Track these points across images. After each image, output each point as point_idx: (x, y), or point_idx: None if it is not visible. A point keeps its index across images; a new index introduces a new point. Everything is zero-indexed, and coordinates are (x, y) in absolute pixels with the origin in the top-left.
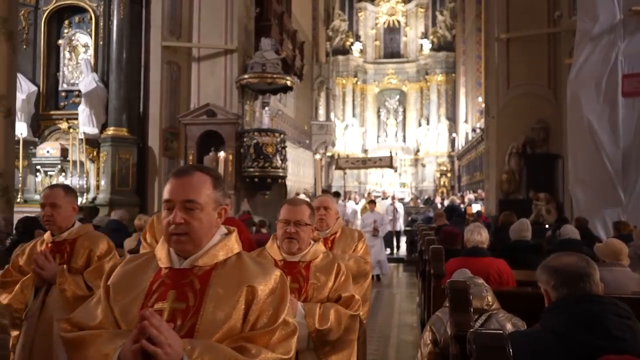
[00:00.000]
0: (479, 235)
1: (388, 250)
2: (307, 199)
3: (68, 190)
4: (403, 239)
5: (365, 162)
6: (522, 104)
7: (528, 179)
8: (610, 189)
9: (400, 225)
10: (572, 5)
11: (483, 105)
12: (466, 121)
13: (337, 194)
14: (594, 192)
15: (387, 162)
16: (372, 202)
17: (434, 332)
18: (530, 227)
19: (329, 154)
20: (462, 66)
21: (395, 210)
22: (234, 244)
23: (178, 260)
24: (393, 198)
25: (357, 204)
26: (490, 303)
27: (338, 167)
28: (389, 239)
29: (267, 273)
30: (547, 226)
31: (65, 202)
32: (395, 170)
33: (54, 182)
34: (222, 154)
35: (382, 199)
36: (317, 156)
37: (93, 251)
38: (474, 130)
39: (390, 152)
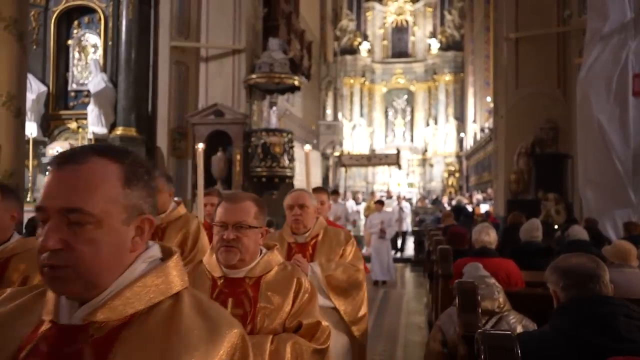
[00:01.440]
0: (487, 236)
1: (393, 252)
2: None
3: (5, 192)
4: (409, 240)
5: (370, 159)
6: (531, 104)
7: (537, 179)
8: (620, 190)
9: (407, 225)
10: (582, 4)
11: (491, 105)
12: (474, 121)
13: (335, 192)
14: (604, 193)
15: (394, 160)
16: (379, 202)
17: (444, 332)
18: (540, 227)
19: (336, 153)
20: (470, 66)
21: (401, 210)
22: (170, 280)
23: (68, 310)
24: (399, 198)
25: (358, 203)
26: (502, 305)
27: (342, 165)
28: (394, 239)
29: (214, 340)
30: (556, 227)
31: None
32: (400, 168)
33: None
34: (307, 147)
35: (387, 198)
36: (307, 147)
37: (30, 279)
38: (482, 130)
39: (397, 150)
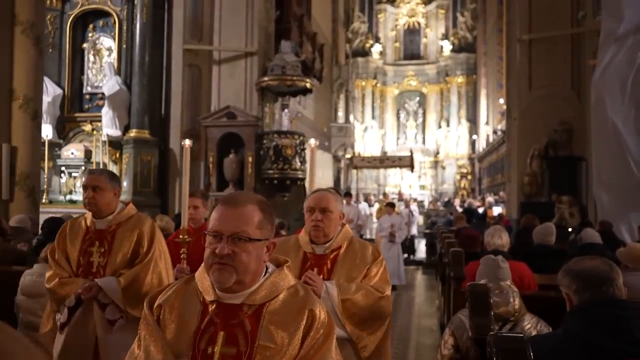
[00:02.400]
0: (500, 239)
1: (404, 255)
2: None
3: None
4: (417, 243)
5: (383, 162)
6: (545, 106)
7: (550, 182)
8: (635, 192)
9: (415, 230)
10: (597, 5)
11: (504, 106)
12: (487, 123)
13: (348, 194)
14: (618, 195)
15: (407, 162)
16: (390, 205)
17: (456, 337)
18: (554, 232)
19: (347, 155)
20: (483, 67)
21: (410, 213)
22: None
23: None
24: (407, 201)
25: (371, 205)
26: (517, 310)
27: (354, 167)
28: (404, 242)
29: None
30: (570, 229)
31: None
32: (413, 171)
33: (78, 184)
34: (312, 141)
35: (398, 200)
36: (312, 141)
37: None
38: (495, 132)
39: (411, 152)
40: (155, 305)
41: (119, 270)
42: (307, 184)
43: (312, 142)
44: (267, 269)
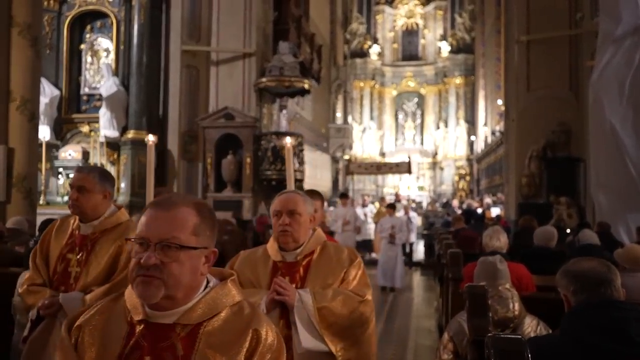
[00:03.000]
0: (498, 241)
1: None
2: (326, 203)
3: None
4: (415, 244)
5: (380, 168)
6: (543, 107)
7: (548, 183)
8: (633, 193)
9: (414, 237)
10: (594, 6)
11: (503, 108)
12: (485, 124)
13: (344, 195)
14: (616, 197)
15: (405, 169)
16: (391, 206)
17: (456, 343)
18: (556, 236)
19: (346, 157)
20: (481, 69)
21: (409, 220)
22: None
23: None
24: (406, 207)
25: (365, 206)
26: (517, 314)
27: (349, 173)
28: (403, 246)
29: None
30: (568, 231)
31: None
32: (410, 173)
33: None
34: (288, 140)
35: (396, 201)
36: (289, 140)
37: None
38: (493, 133)
39: (409, 158)
40: (74, 327)
41: (91, 286)
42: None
43: (288, 140)
44: (207, 283)
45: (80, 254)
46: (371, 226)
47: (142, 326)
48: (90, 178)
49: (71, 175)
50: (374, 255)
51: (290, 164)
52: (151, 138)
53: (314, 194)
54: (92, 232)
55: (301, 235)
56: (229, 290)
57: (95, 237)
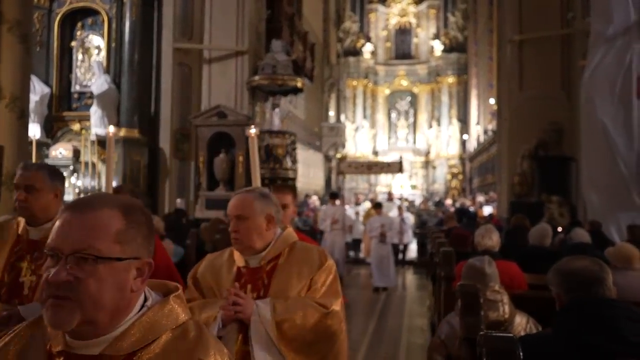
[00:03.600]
0: (490, 240)
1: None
2: (318, 202)
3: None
4: (408, 248)
5: (371, 168)
6: (535, 106)
7: (540, 182)
8: (624, 193)
9: (409, 237)
10: (586, 6)
11: (495, 107)
12: (478, 123)
13: (333, 195)
14: (608, 195)
15: (397, 169)
16: (378, 206)
17: (448, 346)
18: (551, 234)
19: (338, 155)
20: (474, 68)
21: (402, 221)
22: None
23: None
24: (400, 208)
25: (358, 205)
26: (508, 317)
27: (340, 172)
28: (394, 252)
29: None
30: (559, 229)
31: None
32: (402, 173)
33: (66, 183)
34: (252, 131)
35: (388, 200)
36: (253, 130)
37: None
38: (485, 132)
39: (400, 157)
40: None
41: None
42: (257, 183)
43: (253, 131)
44: (145, 301)
45: (32, 262)
46: (360, 225)
47: (61, 359)
48: (39, 175)
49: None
50: (362, 255)
51: (254, 156)
52: (111, 129)
53: (284, 188)
54: (43, 236)
55: (253, 240)
56: (172, 309)
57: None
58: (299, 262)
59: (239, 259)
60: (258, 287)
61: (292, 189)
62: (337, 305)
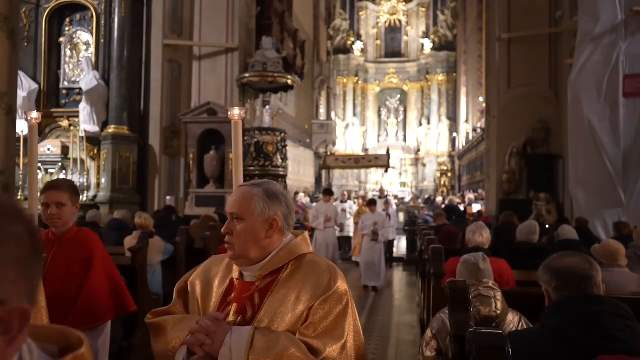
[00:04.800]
0: (481, 237)
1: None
2: (307, 198)
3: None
4: (397, 240)
5: (358, 162)
6: (523, 104)
7: (528, 179)
8: (610, 190)
9: (392, 233)
10: (574, 5)
11: (484, 105)
12: (467, 121)
13: (327, 192)
14: (594, 193)
15: (384, 162)
16: (372, 203)
17: (439, 340)
18: (538, 230)
19: (329, 153)
20: (463, 66)
21: (388, 217)
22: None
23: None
24: (386, 203)
25: (343, 201)
26: (500, 313)
27: (326, 167)
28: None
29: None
30: (547, 226)
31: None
32: (387, 170)
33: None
34: (237, 112)
35: (380, 197)
36: (236, 111)
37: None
38: (474, 130)
39: (388, 150)
40: None
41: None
42: (234, 175)
43: (237, 112)
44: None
45: None
46: (350, 222)
47: None
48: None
49: (50, 171)
50: (354, 258)
51: (238, 142)
52: (34, 115)
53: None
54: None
55: (246, 248)
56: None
57: None
58: (302, 281)
59: (236, 269)
60: (244, 309)
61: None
62: (334, 351)
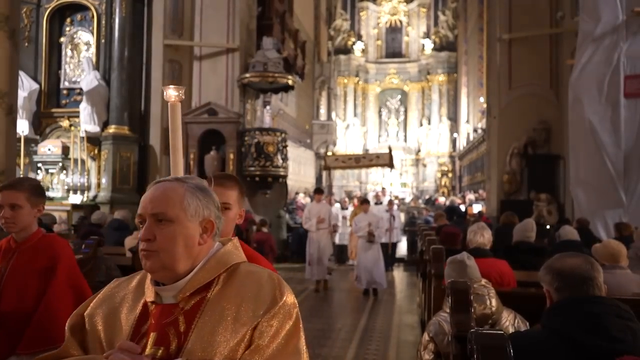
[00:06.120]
0: (482, 237)
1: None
2: (308, 199)
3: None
4: (399, 248)
5: (359, 161)
6: (524, 105)
7: (529, 180)
8: (611, 190)
9: (398, 235)
10: (575, 6)
11: (485, 105)
12: (468, 121)
13: (318, 190)
14: (595, 193)
15: (386, 160)
16: (365, 202)
17: (437, 343)
18: (535, 228)
19: (329, 153)
20: (464, 66)
21: (392, 217)
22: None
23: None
24: (390, 203)
25: (344, 209)
26: (495, 310)
27: (326, 167)
28: (383, 251)
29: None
30: (548, 227)
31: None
32: (392, 169)
33: (55, 180)
34: (172, 92)
35: (376, 203)
36: (172, 92)
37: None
38: (475, 130)
39: (389, 148)
40: None
41: None
42: (171, 164)
43: (173, 93)
44: None
45: None
46: (348, 230)
47: None
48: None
49: (51, 171)
50: (351, 262)
51: (177, 129)
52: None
53: (227, 180)
54: None
55: (176, 257)
56: None
57: None
58: (239, 296)
59: (149, 291)
60: (166, 339)
61: (237, 183)
62: None
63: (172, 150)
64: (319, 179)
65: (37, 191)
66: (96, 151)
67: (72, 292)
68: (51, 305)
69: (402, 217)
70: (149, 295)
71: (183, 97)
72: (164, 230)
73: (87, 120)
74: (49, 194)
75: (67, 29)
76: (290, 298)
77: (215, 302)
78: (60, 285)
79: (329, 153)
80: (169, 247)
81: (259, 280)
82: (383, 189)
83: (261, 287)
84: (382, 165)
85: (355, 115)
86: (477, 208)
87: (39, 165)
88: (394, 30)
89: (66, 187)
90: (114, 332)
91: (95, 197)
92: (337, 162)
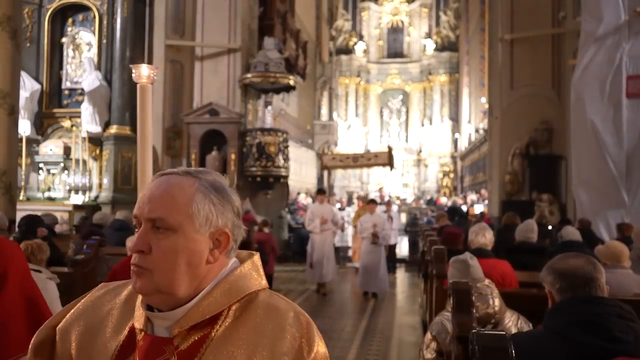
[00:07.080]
0: (483, 238)
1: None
2: (309, 199)
3: None
4: (399, 241)
5: (357, 160)
6: (526, 105)
7: (531, 180)
8: (613, 191)
9: (395, 237)
10: (577, 6)
11: (486, 105)
12: (469, 121)
13: (320, 191)
14: (597, 194)
15: (384, 160)
16: (372, 202)
17: (439, 342)
18: (536, 229)
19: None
20: (465, 66)
21: (389, 219)
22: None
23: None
24: (388, 204)
25: (342, 209)
26: (498, 310)
27: (324, 167)
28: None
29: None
30: (549, 227)
31: None
32: (392, 169)
33: (57, 180)
34: (145, 71)
35: (380, 199)
36: (144, 71)
37: None
38: (477, 130)
39: (389, 148)
40: None
41: None
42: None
43: (145, 73)
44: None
45: None
46: (349, 231)
47: None
48: None
49: (52, 171)
50: (355, 264)
51: (146, 115)
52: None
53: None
54: None
55: (176, 279)
56: None
57: None
58: (252, 341)
59: (139, 312)
60: None
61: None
62: None
63: (140, 140)
64: (320, 179)
65: None
66: (98, 151)
67: (25, 301)
68: (1, 315)
69: (402, 218)
70: (138, 320)
71: (155, 78)
72: (162, 242)
73: (88, 121)
74: (51, 194)
75: (69, 29)
76: (321, 349)
77: (220, 344)
78: (11, 293)
79: (328, 152)
80: (167, 264)
81: (282, 321)
82: (381, 189)
83: (283, 332)
84: (381, 165)
85: (356, 115)
86: (478, 208)
87: (41, 165)
88: (396, 31)
89: (68, 188)
90: (89, 356)
91: (96, 197)
92: (335, 162)
